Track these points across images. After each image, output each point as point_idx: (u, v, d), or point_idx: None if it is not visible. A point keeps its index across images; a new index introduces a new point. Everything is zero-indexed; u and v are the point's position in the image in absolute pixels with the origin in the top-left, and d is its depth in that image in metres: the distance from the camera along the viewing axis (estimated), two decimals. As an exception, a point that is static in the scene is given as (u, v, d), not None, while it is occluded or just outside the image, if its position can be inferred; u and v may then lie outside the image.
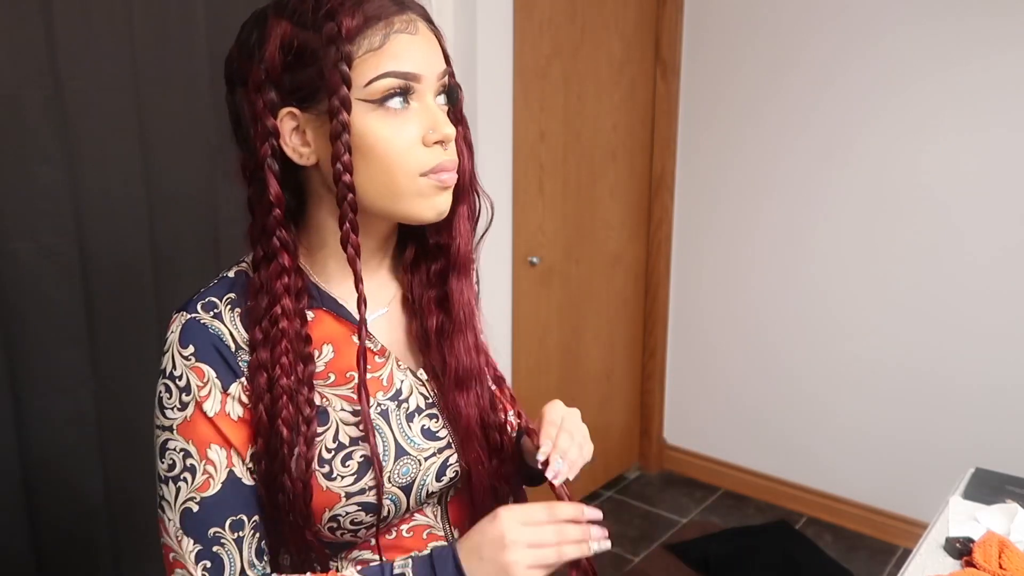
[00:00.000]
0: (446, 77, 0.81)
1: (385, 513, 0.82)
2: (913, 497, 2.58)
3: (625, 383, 3.04)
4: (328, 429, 0.80)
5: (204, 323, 0.78)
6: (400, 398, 0.85)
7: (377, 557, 0.86)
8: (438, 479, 0.86)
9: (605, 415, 2.95)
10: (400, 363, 0.87)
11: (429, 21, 0.80)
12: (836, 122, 2.56)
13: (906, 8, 2.38)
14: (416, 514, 0.88)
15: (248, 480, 0.79)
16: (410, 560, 0.78)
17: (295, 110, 0.77)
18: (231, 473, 0.78)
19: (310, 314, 0.82)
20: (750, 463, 2.96)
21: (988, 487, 1.37)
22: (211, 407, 0.77)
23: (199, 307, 0.80)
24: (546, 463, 0.84)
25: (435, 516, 0.89)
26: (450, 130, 0.78)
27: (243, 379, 0.78)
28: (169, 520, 0.77)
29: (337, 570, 0.86)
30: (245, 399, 0.78)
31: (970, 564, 1.13)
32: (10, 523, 1.43)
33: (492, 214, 0.90)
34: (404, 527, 0.87)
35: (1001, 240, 2.34)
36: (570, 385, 2.74)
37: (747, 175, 2.78)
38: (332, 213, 0.81)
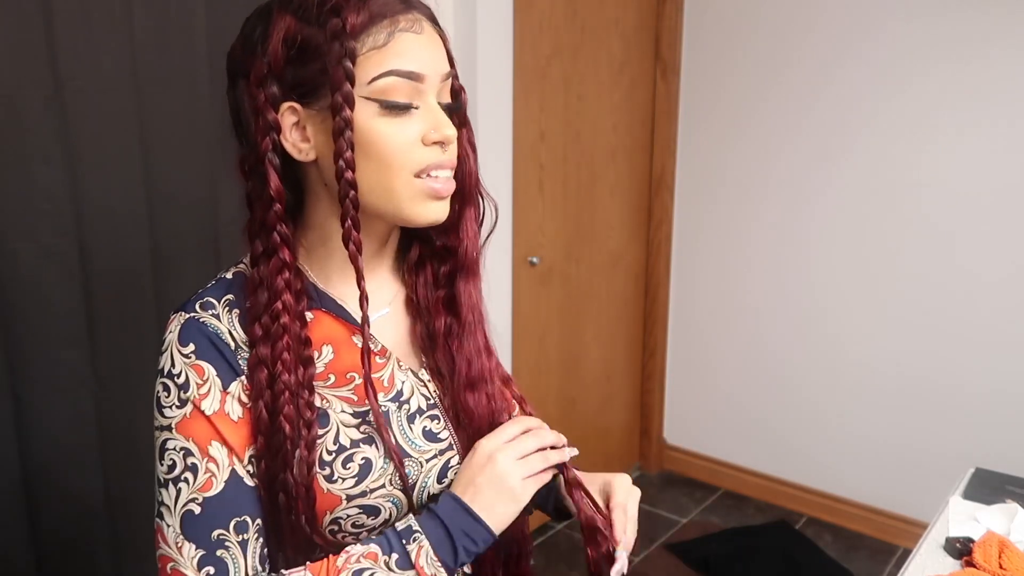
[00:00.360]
0: (450, 79, 0.81)
1: (387, 516, 0.82)
2: (913, 497, 2.58)
3: (625, 383, 3.04)
4: (329, 431, 0.80)
5: (204, 321, 0.78)
6: (401, 399, 0.85)
7: None
8: (439, 480, 0.85)
9: (605, 415, 2.95)
10: (401, 363, 0.86)
11: (435, 22, 0.80)
12: (836, 122, 2.56)
13: (906, 7, 2.38)
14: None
15: (249, 481, 0.77)
16: (410, 516, 0.79)
17: (296, 105, 0.76)
18: (234, 472, 0.76)
19: (309, 315, 0.82)
20: (750, 463, 2.96)
21: (988, 487, 1.37)
22: (210, 405, 0.76)
23: (197, 306, 0.79)
24: (613, 558, 0.86)
25: None
26: (451, 131, 0.78)
27: (243, 378, 0.78)
28: (168, 527, 0.75)
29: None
30: (245, 398, 0.77)
31: (970, 564, 1.13)
32: (10, 523, 1.43)
33: (496, 216, 0.90)
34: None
35: (1000, 239, 2.34)
36: (570, 385, 2.74)
37: (747, 175, 2.78)
38: (331, 211, 0.81)
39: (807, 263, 2.70)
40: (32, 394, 1.43)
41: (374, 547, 0.77)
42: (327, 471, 0.79)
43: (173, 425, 0.76)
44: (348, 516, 0.80)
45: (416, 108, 0.77)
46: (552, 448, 0.84)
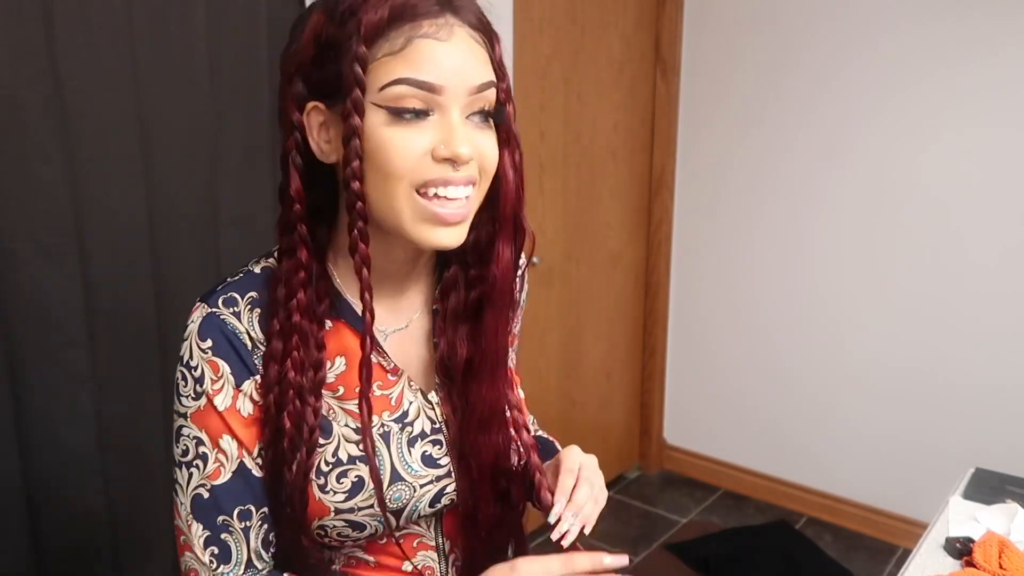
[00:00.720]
0: (488, 91, 0.74)
1: (372, 531, 0.83)
2: (913, 497, 2.58)
3: (625, 383, 3.04)
4: (330, 443, 0.80)
5: (224, 318, 0.78)
6: (405, 420, 0.84)
7: (369, 559, 0.87)
8: (431, 505, 0.85)
9: (605, 415, 2.95)
10: (412, 383, 0.85)
11: (479, 27, 0.74)
12: (836, 122, 2.56)
13: (906, 8, 2.38)
14: (410, 523, 0.87)
15: (258, 472, 0.79)
16: None
17: (321, 105, 0.74)
18: (242, 464, 0.79)
19: (328, 323, 0.81)
20: (750, 463, 2.96)
21: (988, 487, 1.37)
22: (222, 402, 0.78)
23: (220, 302, 0.79)
24: (557, 522, 0.82)
25: (428, 527, 0.89)
26: (464, 149, 0.71)
27: (257, 376, 0.79)
28: (181, 504, 0.79)
29: (331, 561, 0.86)
30: (257, 396, 0.79)
31: (970, 564, 1.13)
32: (10, 523, 1.42)
33: (533, 249, 0.85)
34: (396, 533, 0.86)
35: (1001, 239, 2.34)
36: (570, 385, 2.74)
37: (747, 175, 2.78)
38: (370, 217, 0.78)
39: (807, 263, 2.70)
40: (32, 394, 1.43)
41: None
42: (322, 480, 0.79)
43: (188, 414, 0.78)
44: (334, 527, 0.81)
45: (431, 116, 0.72)
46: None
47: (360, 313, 0.81)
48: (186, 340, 0.79)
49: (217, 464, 0.78)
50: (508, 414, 0.87)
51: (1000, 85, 2.27)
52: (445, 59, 0.71)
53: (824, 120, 2.58)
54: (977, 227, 2.37)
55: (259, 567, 0.80)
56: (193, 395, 0.78)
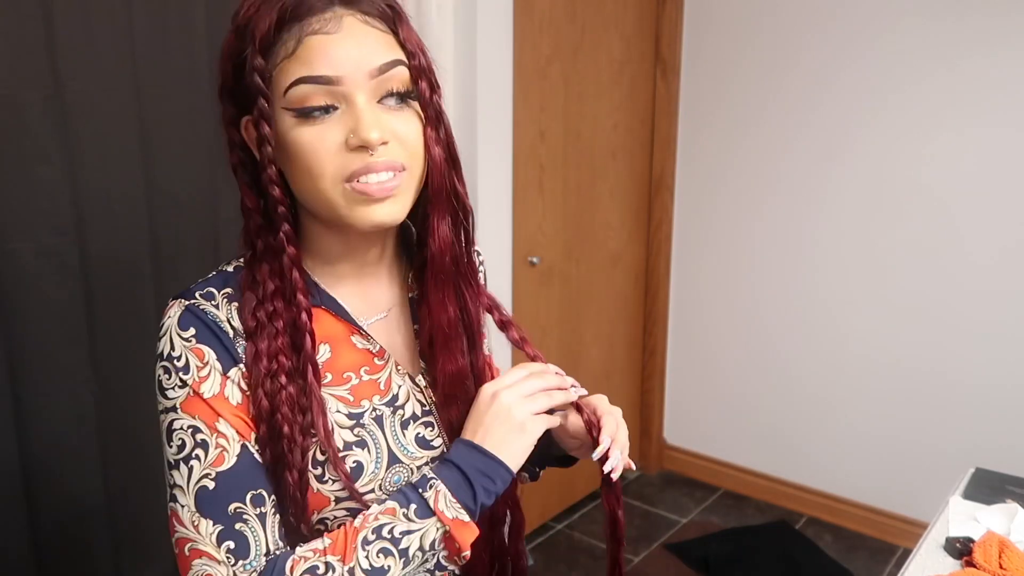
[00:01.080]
0: (393, 71, 0.74)
1: None
2: (913, 497, 2.58)
3: (625, 383, 3.05)
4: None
5: (203, 309, 0.78)
6: (396, 404, 0.84)
7: None
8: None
9: (605, 415, 2.95)
10: (399, 367, 0.86)
11: (373, 12, 0.75)
12: (836, 122, 2.56)
13: (906, 7, 2.38)
14: None
15: (259, 458, 0.76)
16: (428, 470, 0.78)
17: (252, 118, 0.76)
18: (245, 446, 0.75)
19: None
20: (750, 463, 2.96)
21: (988, 487, 1.37)
22: (209, 388, 0.75)
23: (197, 295, 0.79)
24: (604, 458, 0.85)
25: None
26: (372, 134, 0.72)
27: (242, 365, 0.77)
28: (183, 507, 0.73)
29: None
30: (244, 385, 0.77)
31: (970, 564, 1.13)
32: (10, 523, 1.42)
33: (472, 221, 0.86)
34: None
35: (1001, 239, 2.34)
36: (570, 385, 2.74)
37: (747, 175, 2.78)
38: (311, 216, 0.81)
39: (807, 263, 2.70)
40: (32, 394, 1.43)
41: (391, 503, 0.76)
42: (319, 471, 0.78)
43: (178, 405, 0.75)
44: (336, 517, 0.80)
45: (338, 109, 0.73)
46: (559, 389, 0.84)
47: (340, 301, 0.84)
48: (164, 335, 0.77)
49: (220, 449, 0.74)
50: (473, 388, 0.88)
51: (1000, 84, 2.28)
52: (336, 50, 0.72)
53: (824, 120, 2.58)
54: (977, 227, 2.37)
55: (276, 553, 0.76)
56: (179, 384, 0.75)
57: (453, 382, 0.85)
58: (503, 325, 0.90)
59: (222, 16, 1.56)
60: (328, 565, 0.72)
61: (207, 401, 0.75)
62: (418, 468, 0.83)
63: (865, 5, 2.45)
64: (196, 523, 0.73)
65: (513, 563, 0.95)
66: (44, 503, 1.47)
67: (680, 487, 3.03)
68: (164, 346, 0.76)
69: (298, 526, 0.78)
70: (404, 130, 0.76)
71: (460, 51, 2.03)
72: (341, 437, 0.79)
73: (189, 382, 0.75)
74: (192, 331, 0.76)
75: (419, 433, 0.84)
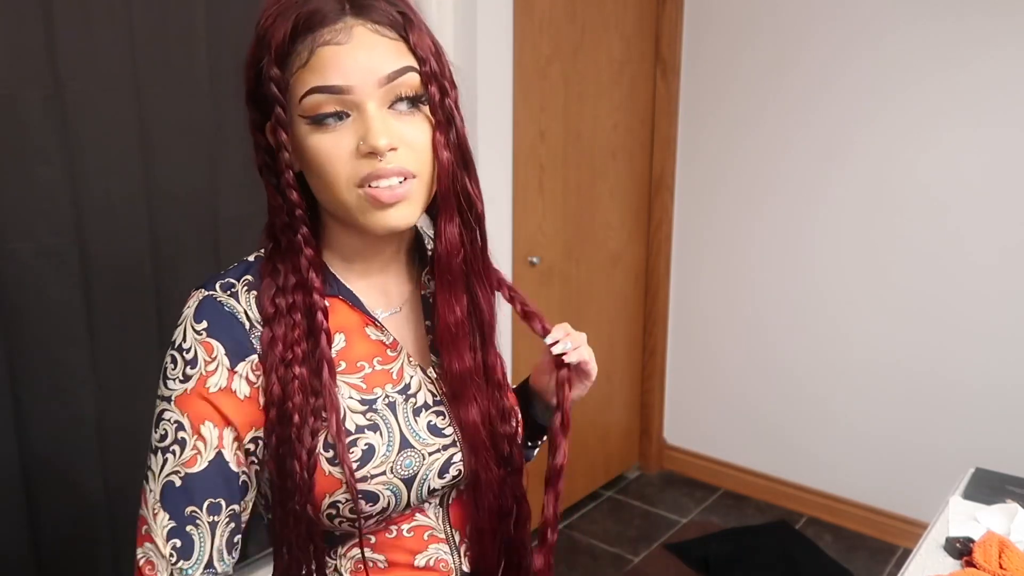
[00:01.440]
0: (404, 77, 0.77)
1: (385, 504, 0.82)
2: (913, 497, 2.58)
3: (625, 383, 3.05)
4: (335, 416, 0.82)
5: (220, 300, 0.80)
6: (408, 392, 0.86)
7: (380, 557, 0.86)
8: (440, 475, 0.86)
9: (605, 415, 2.95)
10: (411, 359, 0.88)
11: (384, 21, 0.77)
12: (836, 122, 2.56)
13: (906, 7, 2.38)
14: (417, 514, 0.88)
15: (235, 466, 0.79)
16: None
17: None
18: (219, 455, 0.78)
19: (326, 301, 0.84)
20: (750, 463, 2.96)
21: (988, 487, 1.37)
22: (216, 383, 0.77)
23: (217, 286, 0.81)
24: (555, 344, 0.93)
25: (436, 518, 0.89)
26: (381, 141, 0.75)
27: (255, 356, 0.79)
28: (150, 491, 0.77)
29: (336, 569, 0.86)
30: (253, 377, 0.79)
31: (970, 564, 1.13)
32: (10, 523, 1.43)
33: (481, 223, 0.87)
34: (405, 526, 0.87)
35: (1001, 238, 2.34)
36: (570, 385, 2.74)
37: (747, 175, 2.78)
38: (330, 215, 0.84)
39: (807, 263, 2.70)
40: (32, 394, 1.43)
41: None
42: (330, 453, 0.79)
43: (173, 397, 0.77)
44: (346, 500, 0.81)
45: (350, 117, 0.76)
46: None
47: (356, 293, 0.86)
48: (181, 324, 0.79)
49: (194, 452, 0.77)
50: (499, 381, 0.91)
51: (1000, 84, 2.28)
52: (346, 60, 0.75)
53: (824, 120, 2.58)
54: (977, 227, 2.37)
55: (218, 569, 0.79)
56: (181, 377, 0.77)
57: (461, 381, 0.87)
58: (525, 315, 0.96)
59: (222, 16, 1.56)
60: None
61: (208, 397, 0.77)
62: (429, 454, 0.84)
63: (866, 5, 2.45)
64: (156, 511, 0.76)
65: (520, 555, 0.96)
66: (44, 503, 1.47)
67: (680, 487, 3.03)
68: (178, 335, 0.79)
69: (303, 511, 0.79)
70: (413, 135, 0.78)
71: (460, 51, 2.03)
72: (353, 421, 0.81)
73: (194, 376, 0.77)
74: (205, 324, 0.78)
75: (431, 421, 0.86)
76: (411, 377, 0.87)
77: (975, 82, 2.31)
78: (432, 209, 0.85)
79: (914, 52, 2.39)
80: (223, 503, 0.78)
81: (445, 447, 0.86)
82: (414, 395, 0.86)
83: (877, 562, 2.57)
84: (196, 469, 0.77)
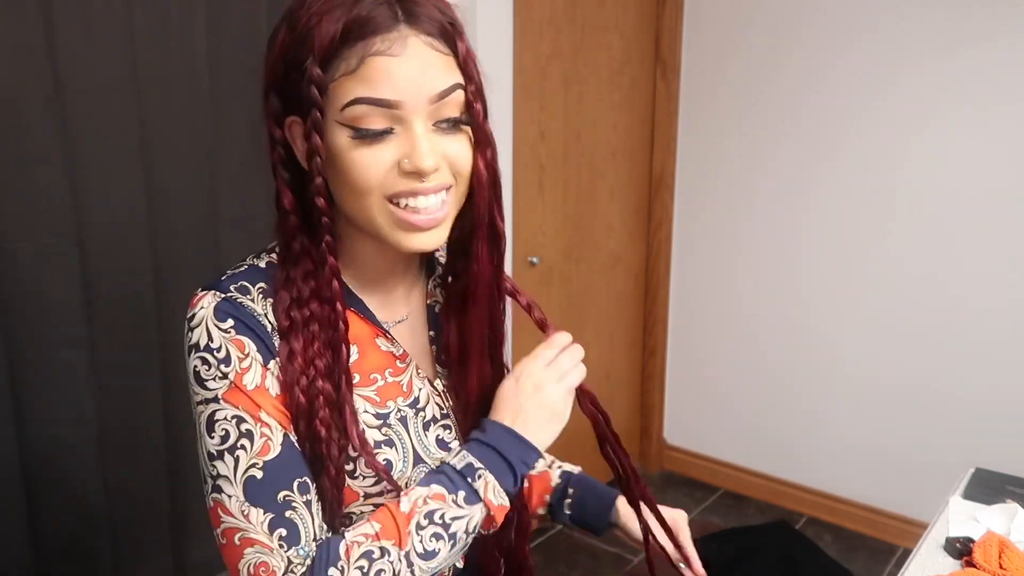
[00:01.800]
0: (453, 95, 0.75)
1: None
2: (913, 497, 2.58)
3: (625, 383, 3.04)
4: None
5: (240, 301, 0.77)
6: (417, 406, 0.85)
7: None
8: None
9: (605, 415, 2.94)
10: (419, 371, 0.87)
11: (437, 33, 0.74)
12: (838, 121, 2.56)
13: (909, 7, 2.38)
14: None
15: (298, 447, 0.77)
16: (465, 452, 0.80)
17: (298, 119, 0.76)
18: (287, 436, 0.76)
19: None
20: (750, 463, 2.96)
21: (988, 487, 1.37)
22: (251, 380, 0.75)
23: (232, 288, 0.78)
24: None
25: None
26: (427, 162, 0.73)
27: (278, 359, 0.77)
28: (230, 497, 0.73)
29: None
30: (280, 379, 0.77)
31: (970, 564, 1.13)
32: (9, 523, 1.42)
33: (503, 242, 0.86)
34: None
35: (1000, 239, 2.34)
36: (570, 385, 2.74)
37: (747, 175, 2.78)
38: (346, 221, 0.81)
39: (807, 263, 2.70)
40: (32, 394, 1.43)
41: (437, 488, 0.77)
42: (351, 467, 0.79)
43: (220, 396, 0.74)
44: (362, 512, 0.81)
45: (394, 131, 0.73)
46: (582, 357, 0.90)
47: (367, 304, 0.85)
48: (198, 327, 0.76)
49: (264, 439, 0.74)
50: None
51: (993, 80, 2.27)
52: (399, 74, 0.71)
53: (826, 119, 2.58)
54: (975, 226, 2.37)
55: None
56: (219, 375, 0.74)
57: (480, 397, 0.87)
58: (529, 309, 0.95)
59: (222, 16, 1.56)
60: (383, 550, 0.74)
61: (248, 393, 0.75)
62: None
63: (867, 6, 2.45)
64: (246, 512, 0.73)
65: (520, 563, 0.96)
66: (44, 503, 1.47)
67: (680, 487, 3.03)
68: (199, 337, 0.75)
69: (330, 522, 0.79)
70: (455, 152, 0.77)
71: (460, 51, 2.03)
72: (371, 437, 0.81)
73: (231, 374, 0.75)
74: (231, 322, 0.76)
75: (439, 435, 0.86)
76: (419, 390, 0.86)
77: (974, 79, 2.30)
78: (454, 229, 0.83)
79: (920, 50, 2.38)
80: (308, 481, 0.76)
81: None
82: (423, 409, 0.86)
83: (877, 562, 2.56)
84: (272, 455, 0.74)
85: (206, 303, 0.76)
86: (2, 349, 1.38)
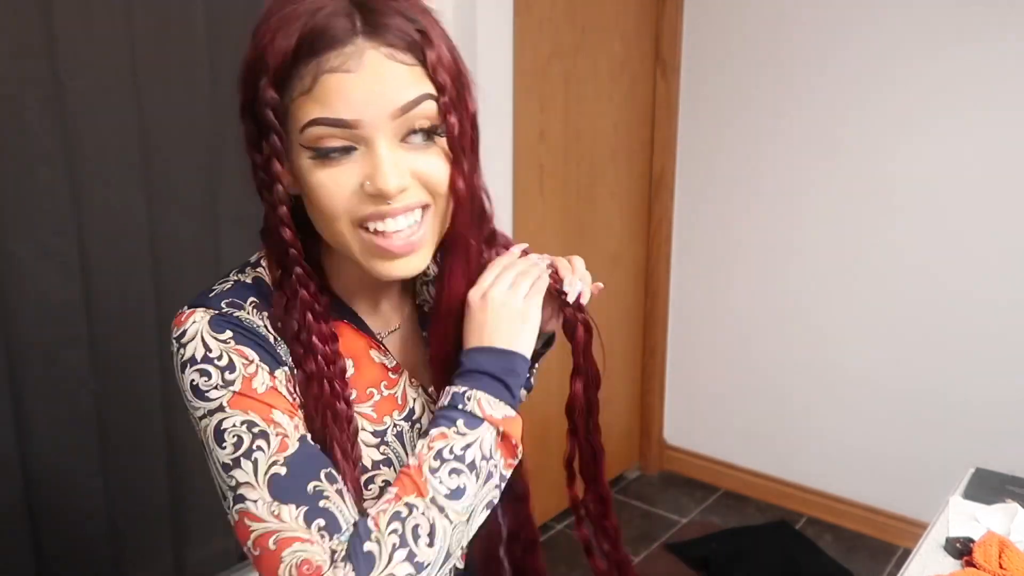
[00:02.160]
0: (421, 107, 0.69)
1: None
2: (913, 497, 2.58)
3: (625, 383, 3.04)
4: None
5: (236, 315, 0.74)
6: (413, 418, 0.84)
7: None
8: None
9: (605, 415, 2.91)
10: (412, 380, 0.86)
11: (399, 44, 0.69)
12: (838, 121, 2.56)
13: (912, 7, 2.38)
14: None
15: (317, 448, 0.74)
16: (447, 389, 0.76)
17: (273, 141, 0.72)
18: (304, 436, 0.72)
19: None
20: (750, 463, 2.96)
21: (988, 487, 1.37)
22: (261, 382, 0.71)
23: (223, 304, 0.74)
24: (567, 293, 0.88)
25: None
26: (390, 183, 0.68)
27: (286, 368, 0.74)
28: (256, 502, 0.68)
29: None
30: (290, 389, 0.74)
31: (970, 564, 1.13)
32: (10, 523, 1.43)
33: (475, 272, 0.82)
34: None
35: (1000, 238, 2.34)
36: (570, 385, 2.74)
37: (748, 175, 2.78)
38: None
39: (808, 263, 2.70)
40: (32, 394, 1.43)
41: (436, 429, 0.74)
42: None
43: (224, 404, 0.70)
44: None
45: (357, 150, 0.69)
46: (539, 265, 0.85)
47: (361, 316, 0.83)
48: (190, 341, 0.72)
49: (281, 436, 0.70)
50: None
51: (992, 78, 2.27)
52: (355, 91, 0.67)
53: (826, 119, 2.58)
54: (974, 226, 2.37)
55: None
56: (221, 383, 0.70)
57: None
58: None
59: (222, 16, 1.56)
60: (409, 505, 0.70)
61: (258, 397, 0.71)
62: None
63: (870, 4, 2.45)
64: (277, 512, 0.67)
65: (523, 531, 0.95)
66: (44, 503, 1.47)
67: (680, 487, 3.03)
68: (195, 350, 0.72)
69: None
70: (427, 169, 0.72)
71: (461, 51, 2.02)
72: (369, 456, 0.79)
73: (236, 380, 0.71)
74: (229, 333, 0.73)
75: None
76: (414, 400, 0.85)
77: (971, 78, 2.30)
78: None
79: (922, 50, 2.38)
80: (333, 470, 0.72)
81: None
82: (419, 420, 0.84)
83: (877, 562, 2.56)
84: (293, 450, 0.70)
85: (197, 318, 0.73)
86: (2, 349, 1.38)
